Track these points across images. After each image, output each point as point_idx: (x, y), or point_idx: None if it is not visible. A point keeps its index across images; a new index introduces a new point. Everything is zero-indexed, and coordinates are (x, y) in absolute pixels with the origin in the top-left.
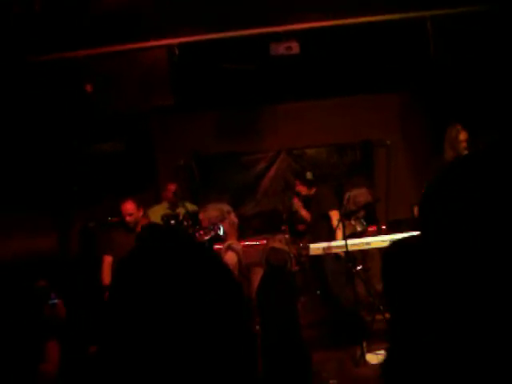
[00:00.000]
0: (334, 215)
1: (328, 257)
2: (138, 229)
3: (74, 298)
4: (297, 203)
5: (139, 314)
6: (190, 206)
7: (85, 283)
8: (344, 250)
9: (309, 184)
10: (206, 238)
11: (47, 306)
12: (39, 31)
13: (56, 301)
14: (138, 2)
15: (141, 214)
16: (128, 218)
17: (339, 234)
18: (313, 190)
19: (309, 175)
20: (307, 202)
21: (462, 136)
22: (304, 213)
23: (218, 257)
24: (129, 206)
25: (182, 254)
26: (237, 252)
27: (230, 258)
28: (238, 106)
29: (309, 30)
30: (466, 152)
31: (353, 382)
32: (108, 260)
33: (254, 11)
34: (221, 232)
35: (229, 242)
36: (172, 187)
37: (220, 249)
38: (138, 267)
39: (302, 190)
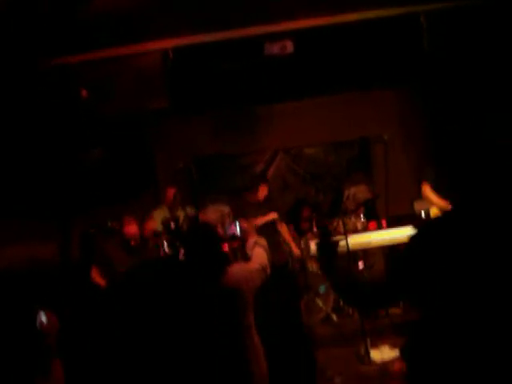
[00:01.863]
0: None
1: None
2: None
3: (74, 305)
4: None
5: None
6: (190, 210)
7: (85, 290)
8: (345, 248)
9: None
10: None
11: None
12: (31, 38)
13: (44, 318)
14: (131, 6)
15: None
16: (133, 243)
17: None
18: None
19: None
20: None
21: None
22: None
23: None
24: (132, 229)
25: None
26: (264, 247)
27: (260, 253)
28: (234, 107)
29: (302, 29)
30: None
31: (357, 379)
32: (96, 270)
33: (247, 11)
34: (237, 230)
35: (255, 238)
36: (171, 191)
37: (247, 246)
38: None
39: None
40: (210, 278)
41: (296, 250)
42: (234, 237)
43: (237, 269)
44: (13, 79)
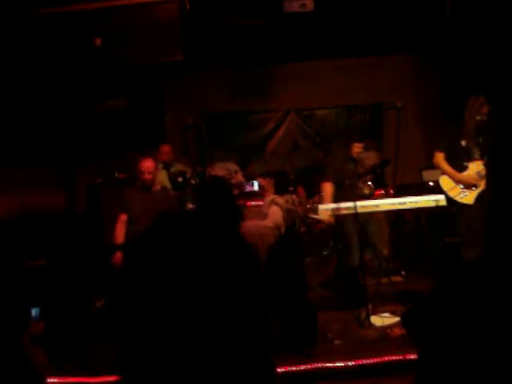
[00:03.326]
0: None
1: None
2: (154, 188)
3: (79, 255)
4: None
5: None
6: (181, 167)
7: (91, 239)
8: (353, 211)
9: None
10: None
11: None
12: None
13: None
14: None
15: (158, 172)
16: (147, 176)
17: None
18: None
19: None
20: None
21: (484, 109)
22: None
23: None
24: (149, 165)
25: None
26: (280, 206)
27: (275, 212)
28: (249, 65)
29: None
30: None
31: (357, 343)
32: (123, 218)
33: None
34: (255, 187)
35: (272, 197)
36: (166, 149)
37: (263, 204)
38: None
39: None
40: (223, 232)
41: (301, 212)
42: (252, 194)
43: (251, 225)
44: (26, 24)
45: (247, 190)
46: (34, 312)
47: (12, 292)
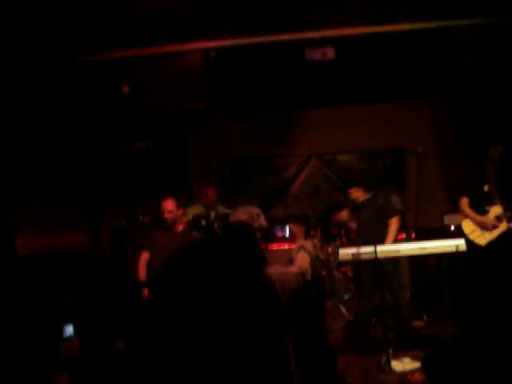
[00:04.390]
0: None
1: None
2: (176, 228)
3: (104, 295)
4: (344, 216)
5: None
6: (221, 209)
7: (116, 280)
8: (373, 256)
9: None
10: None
11: (62, 341)
12: (75, 33)
13: (71, 335)
14: (177, 5)
15: (180, 213)
16: (167, 215)
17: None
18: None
19: None
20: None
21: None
22: (352, 225)
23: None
24: (169, 204)
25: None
26: (308, 252)
27: (303, 258)
28: (272, 110)
29: (344, 37)
30: None
31: None
32: (145, 256)
33: (290, 16)
34: (286, 233)
35: (301, 243)
36: (210, 191)
37: (290, 249)
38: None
39: (359, 195)
40: (246, 273)
41: (321, 256)
42: (279, 238)
43: (273, 271)
44: (54, 72)
45: (278, 234)
46: (68, 331)
47: (33, 325)
